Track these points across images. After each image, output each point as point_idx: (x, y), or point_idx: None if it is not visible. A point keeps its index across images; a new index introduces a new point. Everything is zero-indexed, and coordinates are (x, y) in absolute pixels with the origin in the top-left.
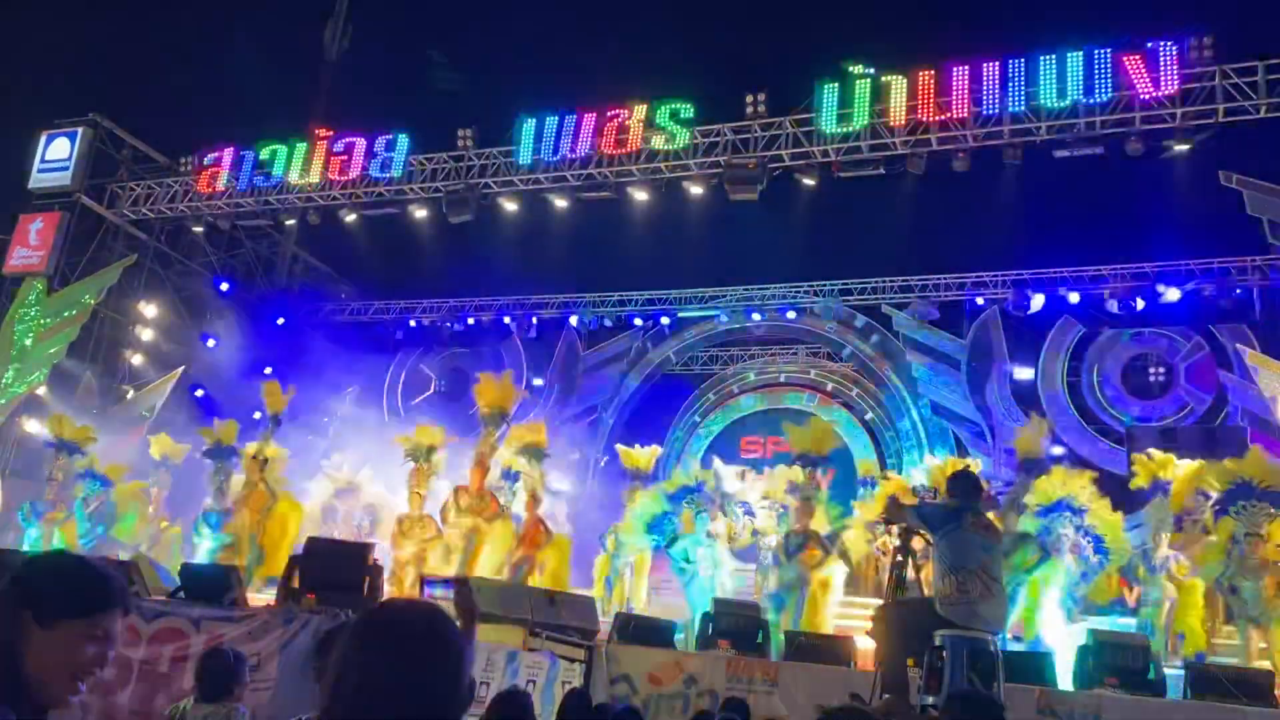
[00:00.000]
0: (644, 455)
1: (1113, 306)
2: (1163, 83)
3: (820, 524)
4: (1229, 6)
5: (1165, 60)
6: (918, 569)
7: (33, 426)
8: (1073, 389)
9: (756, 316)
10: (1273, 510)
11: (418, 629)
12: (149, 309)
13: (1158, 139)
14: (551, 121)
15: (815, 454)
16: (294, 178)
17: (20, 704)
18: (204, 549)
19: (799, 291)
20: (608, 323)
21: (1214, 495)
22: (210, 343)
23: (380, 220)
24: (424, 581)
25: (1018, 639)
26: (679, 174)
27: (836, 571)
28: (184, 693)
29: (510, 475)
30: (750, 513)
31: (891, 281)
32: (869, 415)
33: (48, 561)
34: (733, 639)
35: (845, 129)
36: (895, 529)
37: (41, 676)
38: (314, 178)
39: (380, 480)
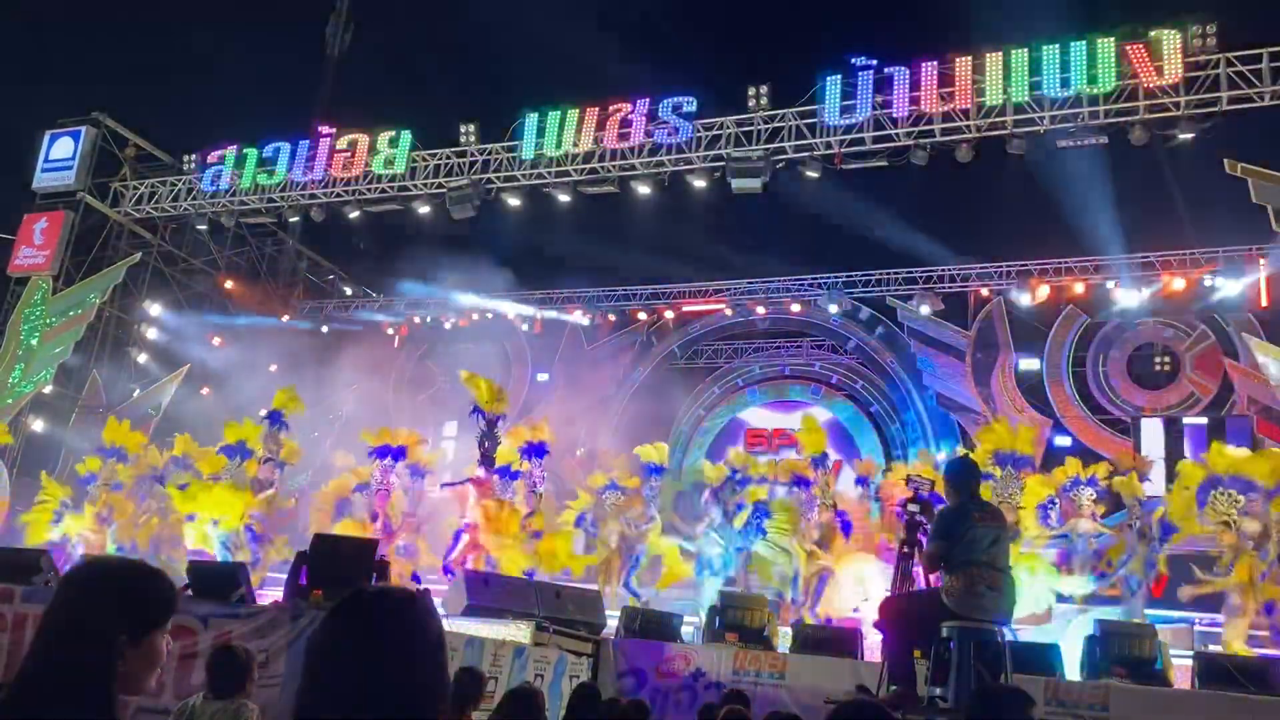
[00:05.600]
0: (655, 452)
1: (1118, 296)
2: (1166, 71)
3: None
4: None
5: (1169, 49)
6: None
7: (39, 425)
8: (1078, 379)
9: (760, 309)
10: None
11: (392, 617)
12: (154, 307)
13: (1162, 128)
14: (554, 116)
15: (821, 453)
16: (297, 175)
17: (110, 711)
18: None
19: (803, 284)
20: (611, 317)
21: None
22: (216, 340)
23: (384, 217)
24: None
25: None
26: (682, 167)
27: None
28: (192, 689)
29: (510, 473)
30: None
31: (896, 273)
32: (874, 407)
33: (131, 582)
34: (740, 631)
35: (848, 120)
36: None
37: (133, 681)
38: (317, 175)
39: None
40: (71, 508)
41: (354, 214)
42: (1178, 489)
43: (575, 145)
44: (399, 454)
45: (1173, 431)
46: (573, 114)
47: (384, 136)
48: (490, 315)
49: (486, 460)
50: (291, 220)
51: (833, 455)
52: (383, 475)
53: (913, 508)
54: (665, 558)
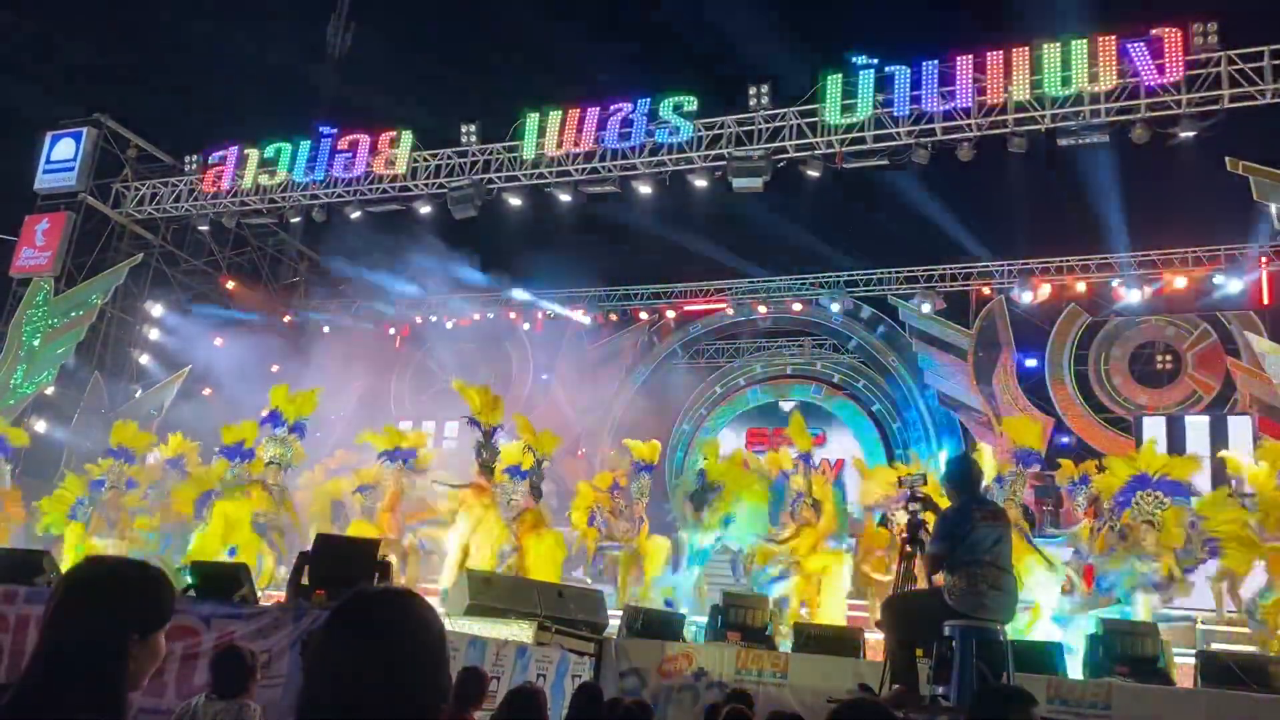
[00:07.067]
0: (645, 448)
1: (1119, 294)
2: (1168, 70)
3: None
4: None
5: (1170, 47)
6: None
7: (41, 426)
8: (1080, 378)
9: (762, 309)
10: (1165, 499)
11: (393, 617)
12: (156, 308)
13: (1163, 126)
14: (555, 115)
15: (807, 451)
16: (298, 176)
17: (120, 712)
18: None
19: (804, 283)
20: (613, 316)
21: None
22: (217, 341)
23: (385, 217)
24: None
25: None
26: (683, 166)
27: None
28: (194, 690)
29: (520, 473)
30: None
31: (897, 272)
32: (875, 406)
33: (140, 581)
34: (742, 631)
35: (849, 120)
36: (904, 522)
37: (136, 679)
38: (318, 175)
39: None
40: (83, 508)
41: (355, 214)
42: (1104, 479)
43: (576, 145)
44: (409, 455)
45: (1175, 430)
46: (573, 113)
47: (385, 137)
48: (491, 315)
49: (486, 470)
50: (293, 221)
51: (825, 456)
52: (392, 475)
53: (914, 506)
54: (650, 557)
